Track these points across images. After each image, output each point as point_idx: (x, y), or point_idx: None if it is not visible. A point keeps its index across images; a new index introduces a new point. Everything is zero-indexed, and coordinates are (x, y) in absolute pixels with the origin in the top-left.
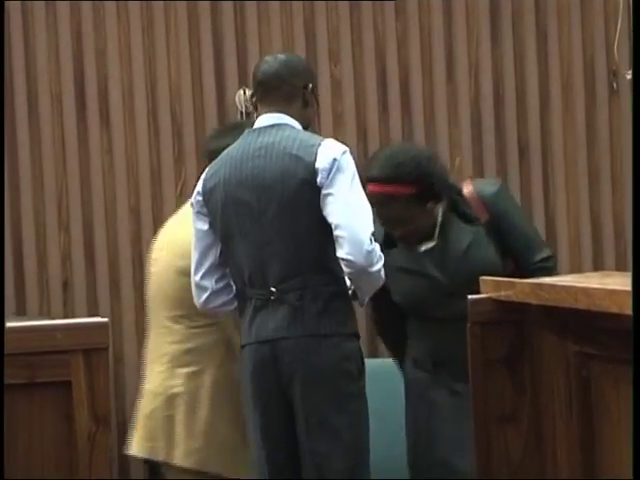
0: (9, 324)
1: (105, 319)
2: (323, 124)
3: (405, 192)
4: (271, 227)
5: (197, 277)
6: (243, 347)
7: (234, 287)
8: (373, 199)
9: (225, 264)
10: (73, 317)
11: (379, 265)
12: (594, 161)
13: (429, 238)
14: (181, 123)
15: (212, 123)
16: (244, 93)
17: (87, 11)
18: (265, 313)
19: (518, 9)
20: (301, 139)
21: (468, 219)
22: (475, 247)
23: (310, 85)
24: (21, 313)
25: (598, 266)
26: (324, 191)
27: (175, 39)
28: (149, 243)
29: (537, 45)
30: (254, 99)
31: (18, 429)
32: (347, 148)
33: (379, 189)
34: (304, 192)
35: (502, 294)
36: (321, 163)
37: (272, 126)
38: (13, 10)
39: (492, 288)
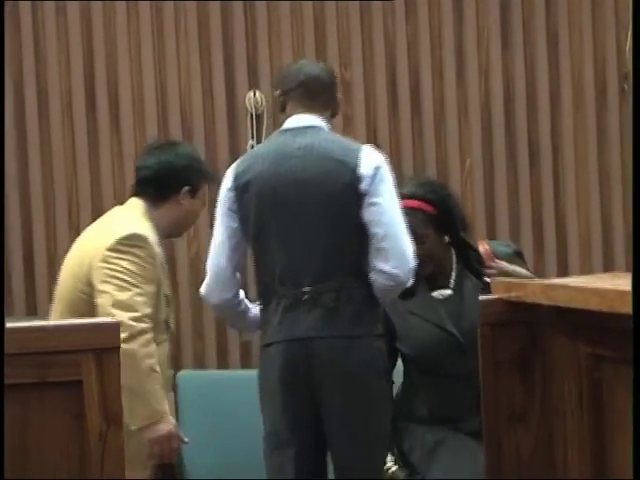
0: (20, 324)
1: (116, 319)
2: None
3: (426, 209)
4: (309, 227)
5: (228, 272)
6: (268, 345)
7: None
8: None
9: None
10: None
11: (412, 281)
12: (604, 163)
13: (444, 284)
14: (191, 126)
15: (222, 126)
16: (254, 95)
17: (97, 15)
18: (297, 312)
19: (529, 11)
20: (340, 142)
21: (479, 275)
22: None
23: (338, 97)
24: (32, 313)
25: (608, 267)
26: (369, 199)
27: (185, 43)
28: None
29: (548, 47)
30: (283, 98)
31: (29, 428)
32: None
33: (402, 204)
34: (346, 195)
35: (513, 295)
36: (365, 169)
37: (306, 127)
38: (24, 13)
39: (503, 289)
